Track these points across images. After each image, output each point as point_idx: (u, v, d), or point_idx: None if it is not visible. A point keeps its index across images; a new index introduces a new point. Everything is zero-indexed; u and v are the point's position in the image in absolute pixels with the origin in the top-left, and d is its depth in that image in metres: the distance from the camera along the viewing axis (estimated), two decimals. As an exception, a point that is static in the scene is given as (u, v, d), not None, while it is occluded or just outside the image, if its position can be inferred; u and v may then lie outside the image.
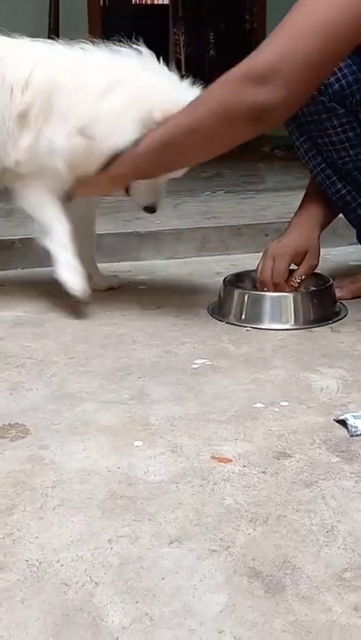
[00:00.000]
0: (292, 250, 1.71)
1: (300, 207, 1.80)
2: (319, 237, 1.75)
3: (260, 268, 1.72)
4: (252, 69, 1.32)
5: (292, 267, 1.72)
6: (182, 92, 1.55)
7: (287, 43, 1.30)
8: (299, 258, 1.72)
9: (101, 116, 1.55)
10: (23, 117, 1.61)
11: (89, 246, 1.85)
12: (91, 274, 1.86)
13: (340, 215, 1.84)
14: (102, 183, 1.58)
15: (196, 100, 1.42)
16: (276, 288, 1.69)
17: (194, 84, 1.58)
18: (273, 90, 1.29)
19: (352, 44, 1.37)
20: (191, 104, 1.42)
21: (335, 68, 1.57)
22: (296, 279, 1.70)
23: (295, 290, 1.70)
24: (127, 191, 1.65)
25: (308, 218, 1.76)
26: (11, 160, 1.65)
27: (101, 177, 1.56)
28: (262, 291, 1.69)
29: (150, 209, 1.69)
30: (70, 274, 1.66)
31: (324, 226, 1.78)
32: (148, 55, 1.60)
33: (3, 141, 1.64)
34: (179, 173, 1.60)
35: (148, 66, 1.60)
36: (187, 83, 1.58)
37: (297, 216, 1.79)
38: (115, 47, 1.62)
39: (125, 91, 1.55)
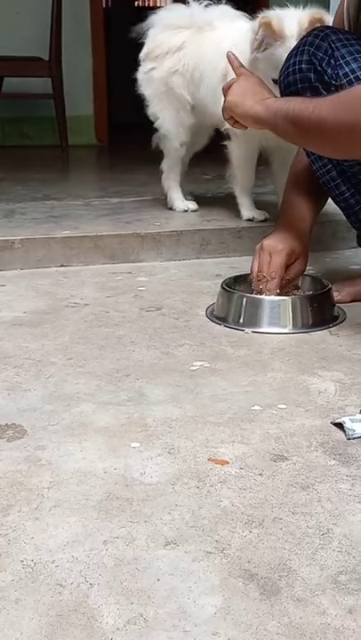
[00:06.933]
0: (288, 249, 1.70)
1: (285, 207, 1.79)
2: (308, 243, 1.75)
3: (255, 262, 1.71)
4: None
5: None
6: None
7: None
8: (292, 258, 1.71)
9: None
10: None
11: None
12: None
13: (340, 219, 1.84)
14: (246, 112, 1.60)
15: (337, 97, 1.40)
16: (270, 284, 1.68)
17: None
18: None
19: None
20: (331, 99, 1.40)
21: (341, 73, 1.57)
22: (287, 286, 1.71)
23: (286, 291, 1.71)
24: None
25: (298, 220, 1.75)
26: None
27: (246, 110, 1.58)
28: (257, 288, 1.69)
29: None
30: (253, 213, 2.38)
31: (312, 227, 1.78)
32: None
33: None
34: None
35: None
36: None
37: (285, 216, 1.77)
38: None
39: None
